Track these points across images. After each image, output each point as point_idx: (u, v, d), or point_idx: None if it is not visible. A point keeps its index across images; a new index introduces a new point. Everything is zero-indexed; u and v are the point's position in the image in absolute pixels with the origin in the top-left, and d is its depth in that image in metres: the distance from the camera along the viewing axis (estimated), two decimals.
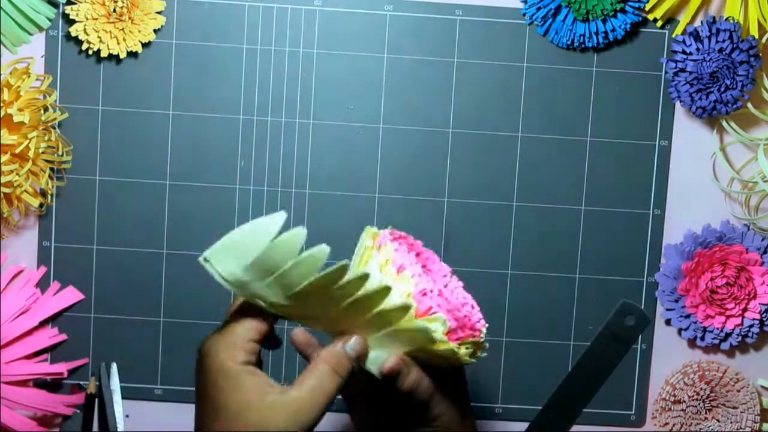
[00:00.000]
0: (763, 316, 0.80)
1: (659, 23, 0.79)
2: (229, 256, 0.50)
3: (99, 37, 0.77)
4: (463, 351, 0.53)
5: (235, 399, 0.48)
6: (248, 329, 0.50)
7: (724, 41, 0.76)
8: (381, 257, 0.53)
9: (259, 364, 0.51)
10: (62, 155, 0.78)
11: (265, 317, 0.51)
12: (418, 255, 0.57)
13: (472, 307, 0.57)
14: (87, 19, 0.76)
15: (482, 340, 0.56)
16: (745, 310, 0.80)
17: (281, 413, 0.48)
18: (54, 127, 0.78)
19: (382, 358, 0.53)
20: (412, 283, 0.52)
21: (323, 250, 0.48)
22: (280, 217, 0.49)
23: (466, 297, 0.58)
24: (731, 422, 0.82)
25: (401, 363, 0.52)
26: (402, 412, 0.55)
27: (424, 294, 0.52)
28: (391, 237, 0.55)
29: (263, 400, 0.48)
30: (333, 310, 0.51)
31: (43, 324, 0.80)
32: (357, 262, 0.55)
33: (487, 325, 0.58)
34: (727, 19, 0.76)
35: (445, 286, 0.57)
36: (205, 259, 0.50)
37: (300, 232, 0.48)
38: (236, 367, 0.49)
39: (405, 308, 0.50)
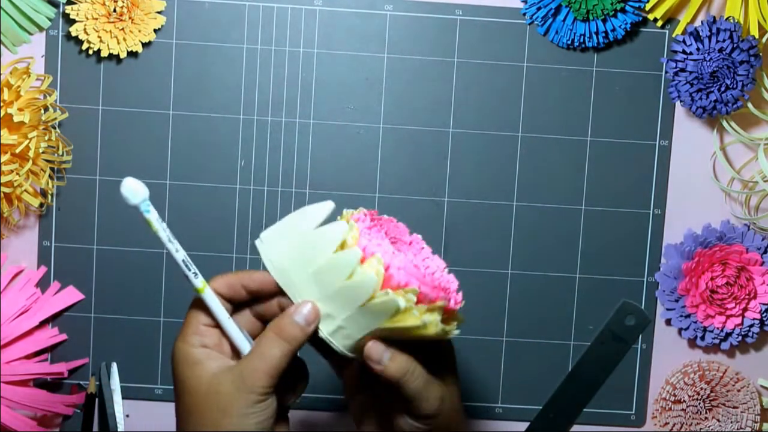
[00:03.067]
0: (764, 315, 0.80)
1: (659, 23, 0.79)
2: (280, 241, 0.52)
3: (99, 36, 0.77)
4: (432, 318, 0.52)
5: (189, 375, 0.52)
6: (198, 315, 0.54)
7: (724, 41, 0.76)
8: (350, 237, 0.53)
9: (223, 349, 0.54)
10: (62, 155, 0.78)
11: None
12: (392, 238, 0.57)
13: (449, 281, 0.57)
14: (87, 18, 0.76)
15: (455, 308, 0.56)
16: (745, 309, 0.80)
17: (228, 379, 0.51)
18: (54, 127, 0.78)
19: (352, 337, 0.53)
20: (377, 260, 0.52)
21: (357, 253, 0.49)
22: (327, 206, 0.53)
23: (442, 273, 0.58)
24: (731, 422, 0.82)
25: (410, 364, 0.53)
26: (398, 402, 0.55)
27: (388, 268, 0.52)
28: (358, 218, 0.55)
29: (212, 371, 0.52)
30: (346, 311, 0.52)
31: (43, 324, 0.80)
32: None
33: (462, 301, 0.57)
34: (727, 18, 0.76)
35: (414, 262, 0.56)
36: (261, 241, 0.54)
37: (340, 228, 0.50)
38: (187, 348, 0.53)
39: (394, 303, 0.51)
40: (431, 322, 0.52)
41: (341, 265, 0.51)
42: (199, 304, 0.54)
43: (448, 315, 0.55)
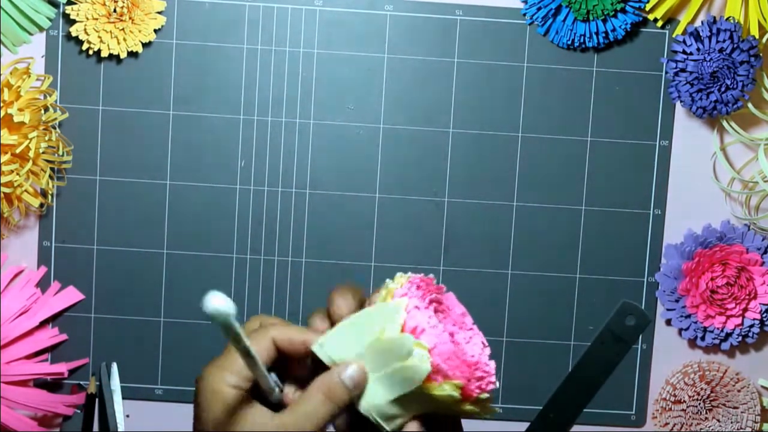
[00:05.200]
0: (764, 316, 0.80)
1: (659, 23, 0.79)
2: (344, 341, 0.50)
3: (99, 37, 0.77)
4: (472, 408, 0.52)
5: (220, 418, 0.48)
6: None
7: (724, 41, 0.76)
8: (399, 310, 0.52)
9: (258, 395, 0.51)
10: (62, 155, 0.78)
11: (266, 348, 0.51)
12: (436, 302, 0.55)
13: (486, 364, 0.55)
14: (87, 19, 0.76)
15: (489, 396, 0.54)
16: (745, 310, 0.80)
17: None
18: (54, 127, 0.78)
19: (398, 418, 0.51)
20: (427, 340, 0.50)
21: (426, 367, 0.48)
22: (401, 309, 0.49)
23: (483, 350, 0.56)
24: (732, 422, 0.82)
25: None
26: None
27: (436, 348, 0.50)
28: (410, 288, 0.53)
29: (254, 424, 0.48)
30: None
31: (43, 324, 0.80)
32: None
33: (497, 384, 0.56)
34: (727, 19, 0.76)
35: (463, 340, 0.55)
36: (320, 345, 0.50)
37: (409, 338, 0.48)
38: (227, 390, 0.49)
39: (452, 397, 0.49)
40: (467, 408, 0.51)
41: (397, 348, 0.49)
42: (253, 341, 0.50)
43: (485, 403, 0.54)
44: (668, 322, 0.82)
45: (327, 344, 0.50)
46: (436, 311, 0.51)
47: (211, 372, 0.49)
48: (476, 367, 0.51)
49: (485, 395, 0.51)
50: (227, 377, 0.49)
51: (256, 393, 0.50)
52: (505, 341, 0.82)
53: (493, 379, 0.52)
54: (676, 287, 0.80)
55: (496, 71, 0.80)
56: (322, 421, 0.49)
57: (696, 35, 0.77)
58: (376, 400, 0.50)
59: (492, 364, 0.52)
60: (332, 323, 0.51)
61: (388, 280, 0.51)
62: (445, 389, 0.48)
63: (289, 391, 0.52)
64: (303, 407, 0.49)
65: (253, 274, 0.81)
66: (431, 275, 0.52)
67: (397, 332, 0.48)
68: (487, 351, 0.53)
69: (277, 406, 0.51)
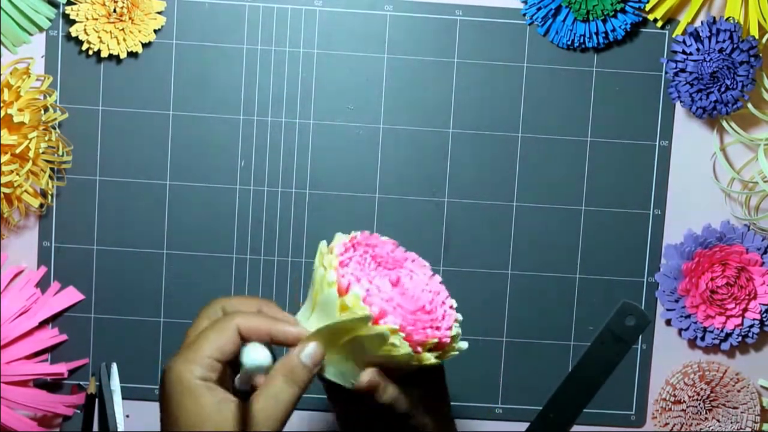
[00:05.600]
0: (764, 316, 0.80)
1: (659, 23, 0.79)
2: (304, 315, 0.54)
3: (99, 37, 0.77)
4: (425, 354, 0.52)
5: (192, 411, 0.49)
6: (209, 346, 0.50)
7: (724, 41, 0.76)
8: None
9: (223, 383, 0.51)
10: (62, 155, 0.78)
11: (232, 341, 0.51)
12: (378, 257, 0.56)
13: (440, 305, 0.55)
14: (87, 19, 0.76)
15: (449, 339, 0.54)
16: (745, 310, 0.80)
17: (234, 417, 0.49)
18: (54, 127, 0.78)
19: (348, 370, 0.52)
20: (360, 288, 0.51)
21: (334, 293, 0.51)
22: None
23: (436, 294, 0.56)
24: (731, 422, 0.82)
25: (377, 379, 0.52)
26: (384, 415, 0.55)
27: (368, 297, 0.51)
28: (345, 247, 0.54)
29: (220, 412, 0.49)
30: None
31: (43, 324, 0.80)
32: (316, 265, 0.55)
33: (457, 320, 0.56)
34: (727, 19, 0.76)
35: (405, 288, 0.55)
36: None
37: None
38: (193, 381, 0.49)
39: (381, 336, 0.50)
40: (426, 357, 0.52)
41: (329, 303, 0.51)
42: (218, 332, 0.51)
43: (441, 347, 0.54)
44: (668, 322, 0.82)
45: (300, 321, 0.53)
46: (379, 263, 0.55)
47: (178, 366, 0.50)
48: (414, 311, 0.52)
49: (432, 341, 0.51)
50: (195, 370, 0.50)
51: (223, 378, 0.51)
52: (505, 341, 0.82)
53: (450, 328, 0.53)
54: (676, 287, 0.80)
55: (496, 71, 0.80)
56: (289, 404, 0.50)
57: (696, 35, 0.77)
58: (331, 362, 0.51)
59: (449, 311, 0.53)
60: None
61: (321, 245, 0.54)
62: (376, 330, 0.49)
63: (259, 379, 0.53)
64: (267, 392, 0.50)
65: (253, 274, 0.81)
66: (357, 234, 0.55)
67: (328, 291, 0.51)
68: (442, 307, 0.54)
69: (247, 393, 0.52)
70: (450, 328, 0.54)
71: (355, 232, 0.55)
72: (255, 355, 0.50)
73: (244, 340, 0.51)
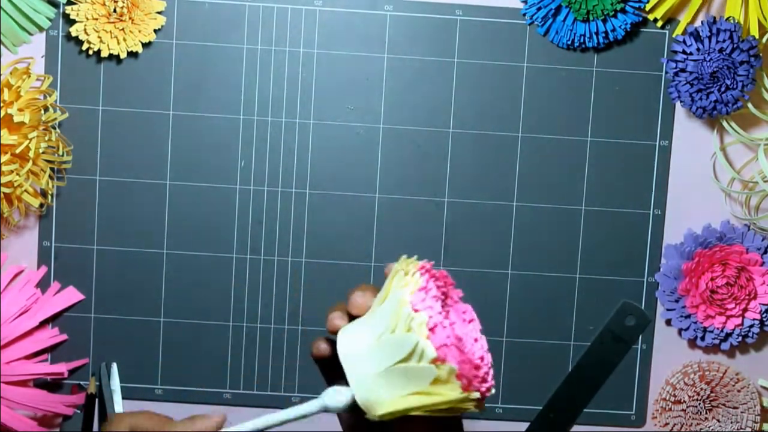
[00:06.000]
0: (764, 316, 0.80)
1: (659, 23, 0.79)
2: (358, 335, 0.50)
3: (99, 37, 0.77)
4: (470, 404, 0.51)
5: None
6: None
7: (724, 41, 0.76)
8: (407, 289, 0.51)
9: None
10: (62, 155, 0.78)
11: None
12: (445, 296, 0.55)
13: (488, 365, 0.54)
14: (87, 19, 0.76)
15: (487, 395, 0.53)
16: (745, 310, 0.80)
17: None
18: (54, 127, 0.78)
19: (383, 400, 0.51)
20: (426, 320, 0.50)
21: (432, 371, 0.48)
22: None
23: (484, 348, 0.55)
24: (732, 422, 0.82)
25: None
26: None
27: (438, 337, 0.49)
28: (422, 271, 0.52)
29: None
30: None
31: (43, 324, 0.80)
32: (386, 289, 0.53)
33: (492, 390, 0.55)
34: (727, 19, 0.76)
35: (467, 336, 0.54)
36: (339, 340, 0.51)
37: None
38: None
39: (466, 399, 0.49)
40: (466, 402, 0.50)
41: (405, 346, 0.48)
42: None
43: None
44: (668, 322, 0.82)
45: (342, 338, 0.50)
46: (443, 305, 0.52)
47: None
48: (479, 366, 0.51)
49: (474, 395, 0.50)
50: None
51: None
52: (505, 341, 0.82)
53: (492, 381, 0.52)
54: (676, 287, 0.80)
55: (496, 71, 0.80)
56: None
57: (696, 35, 0.77)
58: (376, 392, 0.49)
59: (488, 376, 0.52)
60: (350, 319, 0.51)
61: (398, 265, 0.50)
62: (450, 388, 0.48)
63: None
64: None
65: (253, 274, 0.81)
66: (442, 269, 0.52)
67: (406, 331, 0.48)
68: (487, 366, 0.52)
69: None
70: (491, 387, 0.53)
71: (423, 261, 0.51)
72: (340, 399, 0.49)
73: None
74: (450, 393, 0.48)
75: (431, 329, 0.48)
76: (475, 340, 0.53)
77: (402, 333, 0.48)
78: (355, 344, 0.49)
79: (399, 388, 0.49)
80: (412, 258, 0.51)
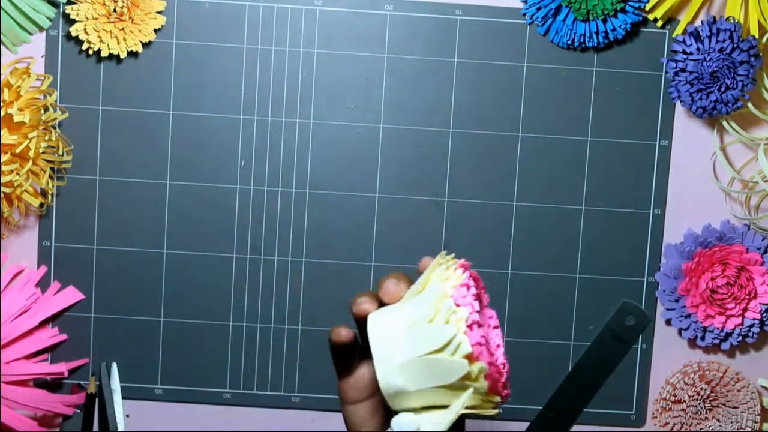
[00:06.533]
0: (764, 316, 0.80)
1: (659, 23, 0.79)
2: (391, 319, 0.50)
3: (99, 36, 0.77)
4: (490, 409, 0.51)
5: None
6: None
7: (724, 41, 0.76)
8: (449, 283, 0.51)
9: None
10: (62, 155, 0.78)
11: None
12: (480, 299, 0.55)
13: (507, 372, 0.54)
14: (87, 18, 0.76)
15: (505, 399, 0.53)
16: (745, 309, 0.80)
17: None
18: (54, 127, 0.78)
19: (408, 391, 0.50)
20: (463, 324, 0.49)
21: (463, 367, 0.47)
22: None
23: (503, 356, 0.55)
24: (732, 422, 0.82)
25: None
26: None
27: (477, 343, 0.49)
28: (463, 268, 0.52)
29: None
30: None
31: (43, 324, 0.80)
32: (425, 279, 0.52)
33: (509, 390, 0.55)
34: (727, 18, 0.76)
35: (491, 340, 0.54)
36: (372, 321, 0.50)
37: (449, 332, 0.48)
38: None
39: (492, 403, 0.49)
40: (486, 407, 0.50)
41: (441, 339, 0.47)
42: None
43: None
44: (668, 322, 0.82)
45: (373, 320, 0.50)
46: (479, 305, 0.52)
47: None
48: (502, 373, 0.50)
49: (495, 398, 0.50)
50: None
51: None
52: (505, 341, 0.82)
53: (504, 391, 0.52)
54: (676, 287, 0.80)
55: (496, 71, 0.80)
56: None
57: (696, 35, 0.77)
58: (401, 380, 0.49)
59: (507, 382, 0.52)
60: (380, 305, 0.51)
61: (439, 258, 0.50)
62: (476, 387, 0.48)
63: None
64: None
65: (253, 274, 0.81)
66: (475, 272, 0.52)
67: (444, 323, 0.48)
68: (506, 372, 0.52)
69: None
70: (508, 394, 0.52)
71: (464, 261, 0.51)
72: (407, 420, 0.49)
73: None
74: (475, 392, 0.48)
75: (469, 326, 0.48)
76: (498, 346, 0.54)
77: (440, 324, 0.48)
78: (388, 328, 0.49)
79: (425, 380, 0.48)
80: (450, 255, 0.51)
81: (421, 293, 0.50)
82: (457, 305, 0.48)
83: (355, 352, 0.53)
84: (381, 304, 0.51)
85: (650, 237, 0.82)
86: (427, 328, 0.48)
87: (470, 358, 0.47)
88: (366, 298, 0.51)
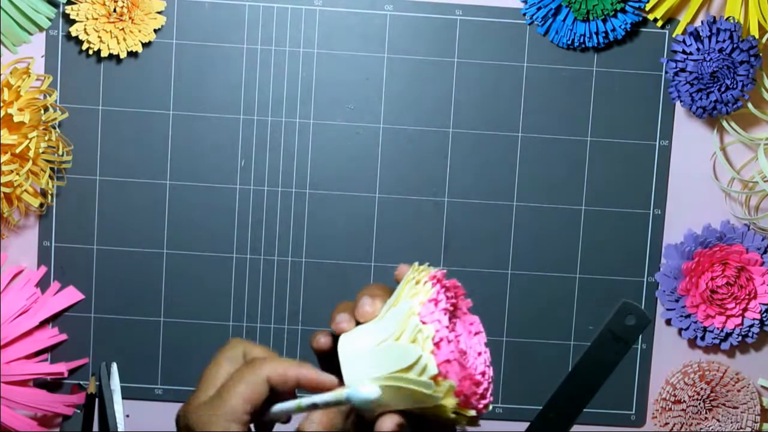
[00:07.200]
0: (764, 316, 0.80)
1: (659, 23, 0.79)
2: (362, 340, 0.49)
3: (99, 37, 0.77)
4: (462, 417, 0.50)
5: None
6: (243, 401, 0.49)
7: (724, 41, 0.76)
8: (417, 299, 0.50)
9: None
10: (62, 155, 0.78)
11: (262, 392, 0.50)
12: (454, 307, 0.54)
13: (489, 380, 0.53)
14: (87, 19, 0.76)
15: (484, 411, 0.53)
16: (745, 310, 0.80)
17: None
18: (54, 127, 0.78)
19: (375, 405, 0.51)
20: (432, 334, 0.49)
21: (431, 388, 0.47)
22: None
23: (486, 363, 0.54)
24: (731, 422, 0.82)
25: (398, 429, 0.51)
26: None
27: (442, 352, 0.49)
28: (433, 281, 0.51)
29: None
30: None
31: (43, 324, 0.80)
32: (397, 295, 0.52)
33: (489, 407, 0.54)
34: (727, 18, 0.76)
35: (471, 350, 0.53)
36: (342, 344, 0.50)
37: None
38: None
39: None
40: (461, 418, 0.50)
41: (408, 359, 0.47)
42: (249, 385, 0.49)
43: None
44: (668, 322, 0.82)
45: (344, 338, 0.49)
46: (451, 317, 0.50)
47: (214, 422, 0.48)
48: (479, 383, 0.50)
49: (470, 412, 0.49)
50: (233, 427, 0.48)
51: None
52: (505, 341, 0.82)
53: (491, 397, 0.51)
54: (676, 287, 0.80)
55: (496, 71, 0.80)
56: None
57: (696, 35, 0.77)
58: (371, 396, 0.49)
59: (487, 392, 0.51)
60: (357, 323, 0.50)
61: (410, 272, 0.50)
62: (447, 401, 0.47)
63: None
64: None
65: (253, 274, 0.81)
66: (454, 279, 0.51)
67: (411, 342, 0.47)
68: (487, 381, 0.51)
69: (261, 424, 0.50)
70: (488, 405, 0.52)
71: (435, 270, 0.50)
72: (367, 390, 0.48)
73: (273, 390, 0.50)
74: (444, 408, 0.48)
75: (436, 344, 0.47)
76: (479, 353, 0.53)
77: (406, 343, 0.47)
78: (357, 345, 0.49)
79: (394, 399, 0.48)
80: (424, 265, 0.50)
81: (392, 309, 0.49)
82: (424, 322, 0.47)
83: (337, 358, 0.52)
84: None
85: (650, 237, 0.82)
86: (394, 348, 0.47)
87: (438, 377, 0.46)
88: (344, 316, 0.50)
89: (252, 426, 0.50)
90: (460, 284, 0.52)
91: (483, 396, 0.50)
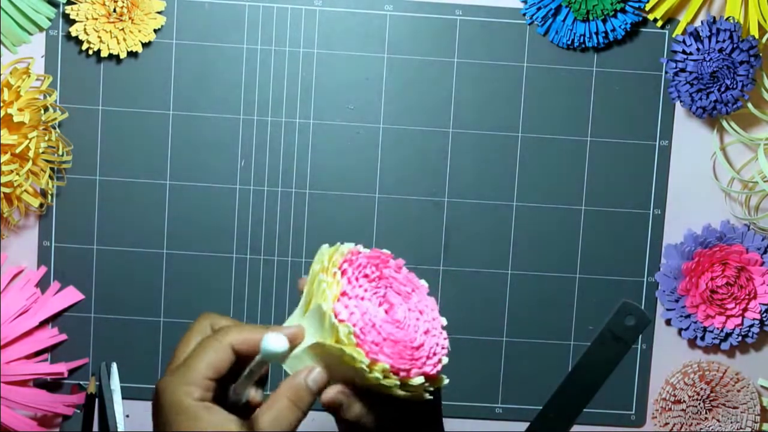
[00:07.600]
0: (763, 316, 0.80)
1: (659, 23, 0.79)
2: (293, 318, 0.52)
3: (99, 37, 0.77)
4: (395, 385, 0.50)
5: (189, 427, 0.48)
6: (205, 366, 0.49)
7: (724, 41, 0.76)
8: (329, 296, 0.50)
9: (217, 401, 0.51)
10: (62, 155, 0.78)
11: (227, 358, 0.51)
12: (381, 278, 0.53)
13: (432, 336, 0.51)
14: (87, 19, 0.76)
15: (436, 374, 0.52)
16: (745, 310, 0.80)
17: None
18: (54, 127, 0.78)
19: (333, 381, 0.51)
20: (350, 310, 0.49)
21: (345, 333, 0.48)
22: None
23: (432, 322, 0.53)
24: (731, 422, 0.82)
25: (340, 396, 0.51)
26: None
27: (362, 334, 0.49)
28: (341, 270, 0.51)
29: (215, 426, 0.48)
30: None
31: (43, 324, 0.80)
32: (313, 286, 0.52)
33: (444, 361, 0.52)
34: (727, 19, 0.76)
35: (408, 312, 0.53)
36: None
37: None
38: (192, 403, 0.48)
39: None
40: (395, 388, 0.50)
41: (324, 322, 0.49)
42: (212, 350, 0.50)
43: (429, 379, 0.52)
44: (668, 322, 0.82)
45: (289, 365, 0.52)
46: (376, 286, 0.51)
47: (174, 387, 0.49)
48: (418, 349, 0.49)
49: (416, 380, 0.49)
50: (193, 391, 0.49)
51: (217, 396, 0.50)
52: (505, 341, 0.82)
53: (443, 351, 0.51)
54: (676, 287, 0.80)
55: (496, 71, 0.80)
56: (293, 426, 0.50)
57: (696, 35, 0.77)
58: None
59: (436, 350, 0.51)
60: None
61: (315, 264, 0.51)
62: (360, 362, 0.48)
63: (251, 391, 0.52)
64: (271, 413, 0.50)
65: (253, 274, 0.81)
66: (384, 252, 0.51)
67: (323, 304, 0.49)
68: (434, 339, 0.51)
69: (238, 407, 0.51)
70: (439, 363, 0.51)
71: (357, 245, 0.52)
72: (275, 342, 0.48)
73: (238, 356, 0.50)
74: (392, 388, 0.48)
75: (357, 336, 0.48)
76: (420, 312, 0.52)
77: (331, 344, 0.48)
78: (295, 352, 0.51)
79: (325, 359, 0.50)
80: (334, 247, 0.51)
81: (308, 313, 0.50)
82: (341, 321, 0.48)
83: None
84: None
85: (650, 237, 0.82)
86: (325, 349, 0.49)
87: (370, 365, 0.48)
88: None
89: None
90: (382, 251, 0.52)
91: (429, 357, 0.50)
